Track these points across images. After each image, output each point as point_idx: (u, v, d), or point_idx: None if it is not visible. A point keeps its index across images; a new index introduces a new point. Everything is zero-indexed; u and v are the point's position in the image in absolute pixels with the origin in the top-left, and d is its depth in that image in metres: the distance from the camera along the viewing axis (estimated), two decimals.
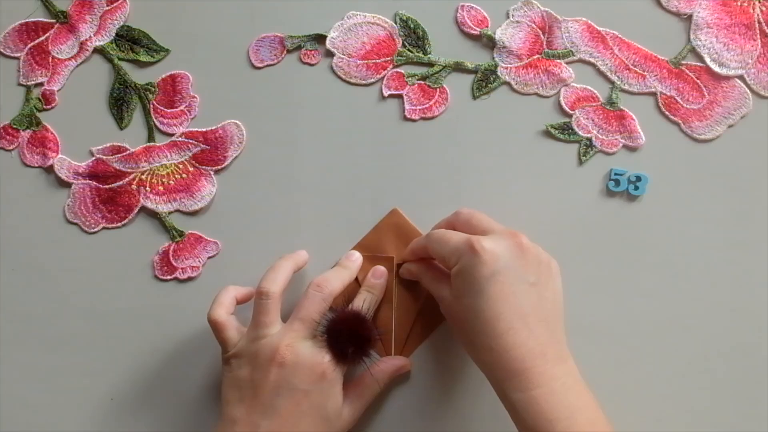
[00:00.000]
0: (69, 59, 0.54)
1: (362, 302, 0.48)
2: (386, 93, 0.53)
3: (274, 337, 0.45)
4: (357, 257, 0.50)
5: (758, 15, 0.51)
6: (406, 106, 0.53)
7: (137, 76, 0.54)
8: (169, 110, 0.53)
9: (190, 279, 0.53)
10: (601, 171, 0.52)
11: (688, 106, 0.52)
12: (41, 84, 0.54)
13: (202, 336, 0.52)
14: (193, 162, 0.53)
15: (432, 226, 0.51)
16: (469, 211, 0.47)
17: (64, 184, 0.53)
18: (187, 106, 0.53)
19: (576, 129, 0.52)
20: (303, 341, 0.44)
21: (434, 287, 0.47)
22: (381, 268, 0.50)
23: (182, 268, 0.52)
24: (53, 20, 0.54)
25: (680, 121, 0.52)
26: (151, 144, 0.53)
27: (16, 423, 0.52)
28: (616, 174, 0.51)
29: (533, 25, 0.53)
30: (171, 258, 0.52)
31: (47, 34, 0.54)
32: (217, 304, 0.47)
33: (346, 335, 0.44)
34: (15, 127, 0.54)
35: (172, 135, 0.53)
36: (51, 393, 0.52)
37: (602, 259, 0.51)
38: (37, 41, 0.54)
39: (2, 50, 0.54)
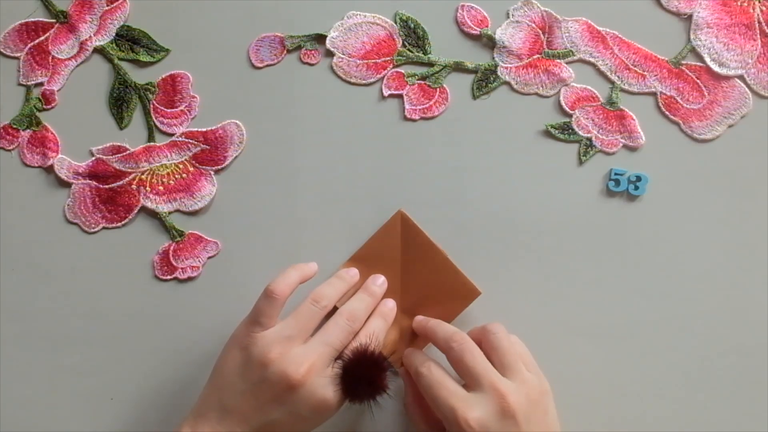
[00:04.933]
0: (69, 59, 0.54)
1: (372, 336, 0.47)
2: (386, 93, 0.53)
3: (297, 353, 0.44)
4: (382, 281, 0.51)
5: (758, 15, 0.51)
6: (406, 106, 0.53)
7: (137, 76, 0.54)
8: (169, 110, 0.53)
9: (190, 279, 0.53)
10: (601, 171, 0.52)
11: (688, 106, 0.52)
12: (41, 84, 0.54)
13: (202, 336, 0.52)
14: (193, 162, 0.53)
15: (432, 226, 0.51)
16: (498, 344, 0.45)
17: (64, 184, 0.53)
18: (187, 106, 0.53)
19: (576, 129, 0.52)
20: (323, 370, 0.44)
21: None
22: (392, 302, 0.50)
23: (182, 268, 0.53)
24: (53, 20, 0.54)
25: (680, 121, 0.52)
26: (151, 144, 0.53)
27: (16, 423, 0.52)
28: (616, 174, 0.51)
29: (533, 25, 0.53)
30: (171, 258, 0.52)
31: (47, 34, 0.54)
32: (285, 282, 0.46)
33: (365, 383, 0.44)
34: (15, 127, 0.54)
35: (172, 135, 0.53)
36: (51, 393, 0.52)
37: (602, 259, 0.51)
38: (37, 41, 0.54)
39: (2, 50, 0.54)
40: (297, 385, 0.43)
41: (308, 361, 0.44)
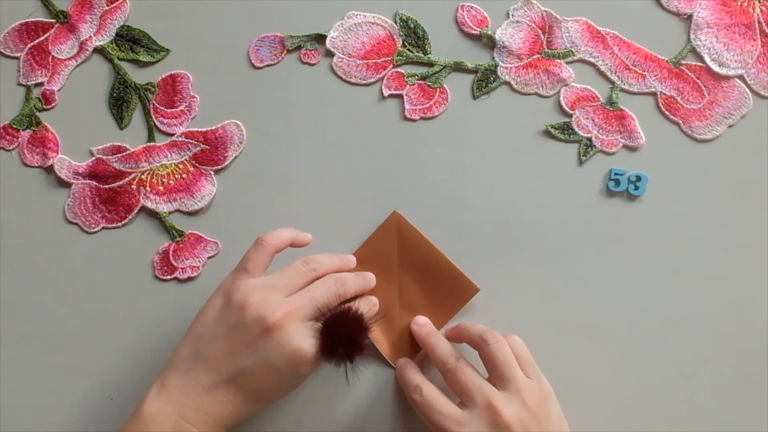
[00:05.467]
0: (69, 59, 0.54)
1: (357, 305, 0.46)
2: (386, 93, 0.53)
3: (278, 300, 0.43)
4: (373, 277, 0.50)
5: (758, 15, 0.51)
6: (406, 106, 0.53)
7: (137, 76, 0.54)
8: (169, 110, 0.53)
9: (190, 279, 0.53)
10: (601, 171, 0.52)
11: (688, 106, 0.52)
12: (41, 84, 0.54)
13: None
14: (193, 162, 0.53)
15: (431, 226, 0.51)
16: (492, 355, 0.45)
17: (64, 184, 0.53)
18: (187, 106, 0.53)
19: (576, 129, 0.52)
20: (301, 320, 0.43)
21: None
22: (375, 298, 0.50)
23: (182, 268, 0.53)
24: (53, 20, 0.54)
25: (680, 121, 0.52)
26: (151, 144, 0.53)
27: (16, 423, 0.52)
28: (616, 174, 0.51)
29: (533, 25, 0.53)
30: (171, 258, 0.52)
31: (47, 34, 0.54)
32: (276, 235, 0.46)
33: (344, 336, 0.43)
34: (15, 127, 0.54)
35: (172, 135, 0.53)
36: (51, 393, 0.52)
37: (602, 259, 0.51)
38: (37, 41, 0.54)
39: (2, 50, 0.54)
40: (272, 328, 0.42)
41: (287, 308, 0.43)
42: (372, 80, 0.53)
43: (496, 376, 0.45)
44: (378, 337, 0.50)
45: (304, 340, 0.42)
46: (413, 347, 0.51)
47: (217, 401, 0.42)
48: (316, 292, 0.45)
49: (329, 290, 0.45)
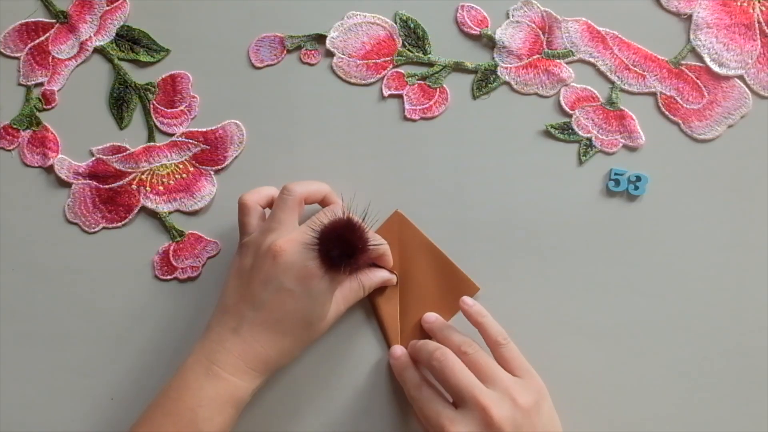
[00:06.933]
0: (69, 59, 0.54)
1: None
2: (386, 93, 0.53)
3: (282, 231, 0.46)
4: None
5: (758, 15, 0.51)
6: (406, 106, 0.53)
7: (137, 76, 0.54)
8: (169, 110, 0.53)
9: (190, 279, 0.53)
10: (601, 171, 0.52)
11: (688, 106, 0.52)
12: (41, 84, 0.54)
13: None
14: (193, 162, 0.53)
15: (432, 226, 0.51)
16: (474, 362, 0.46)
17: (64, 184, 0.53)
18: (187, 106, 0.53)
19: (576, 129, 0.52)
20: (303, 244, 0.45)
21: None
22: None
23: (182, 268, 0.53)
24: (53, 20, 0.54)
25: (680, 121, 0.52)
26: (151, 144, 0.53)
27: (16, 423, 0.52)
28: (616, 174, 0.51)
29: (533, 25, 0.53)
30: (171, 258, 0.52)
31: (47, 34, 0.54)
32: (254, 190, 0.49)
33: (335, 239, 0.45)
34: (15, 127, 0.54)
35: (172, 135, 0.53)
36: (51, 393, 0.52)
37: (602, 259, 0.51)
38: (37, 41, 0.54)
39: (2, 50, 0.54)
40: (278, 253, 0.44)
41: (288, 236, 0.45)
42: (372, 80, 0.53)
43: (484, 381, 0.45)
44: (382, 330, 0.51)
45: (308, 257, 0.45)
46: (414, 335, 0.51)
47: (244, 341, 0.45)
48: (315, 223, 0.46)
49: (323, 218, 0.46)
